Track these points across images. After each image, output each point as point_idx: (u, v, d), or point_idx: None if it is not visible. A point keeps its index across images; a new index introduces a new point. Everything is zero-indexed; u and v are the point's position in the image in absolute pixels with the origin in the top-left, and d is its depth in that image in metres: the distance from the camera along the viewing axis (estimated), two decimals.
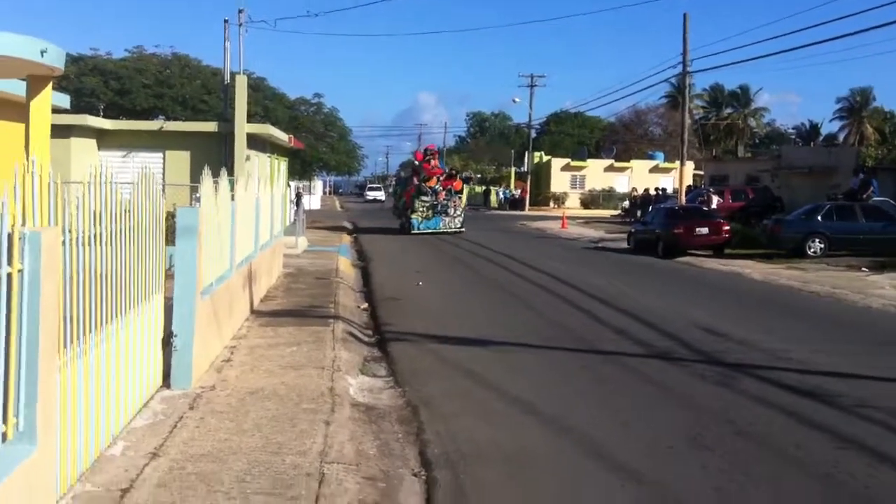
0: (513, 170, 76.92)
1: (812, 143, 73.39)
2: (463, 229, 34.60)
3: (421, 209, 34.50)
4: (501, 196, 71.00)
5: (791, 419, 7.77)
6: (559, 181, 67.27)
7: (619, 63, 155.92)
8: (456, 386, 9.04)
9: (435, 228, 34.28)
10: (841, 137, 79.64)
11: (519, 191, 67.00)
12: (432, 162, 36.23)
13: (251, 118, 30.58)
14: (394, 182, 39.60)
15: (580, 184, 67.08)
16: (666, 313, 14.11)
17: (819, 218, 25.36)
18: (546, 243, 31.91)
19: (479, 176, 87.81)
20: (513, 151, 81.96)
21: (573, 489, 6.04)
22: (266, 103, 48.93)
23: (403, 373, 9.60)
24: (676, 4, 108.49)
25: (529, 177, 66.22)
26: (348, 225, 40.97)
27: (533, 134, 74.41)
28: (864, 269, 21.52)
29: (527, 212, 59.73)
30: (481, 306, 15.16)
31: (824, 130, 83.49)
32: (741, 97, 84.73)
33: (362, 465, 6.21)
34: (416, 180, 35.07)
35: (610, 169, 67.56)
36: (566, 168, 67.92)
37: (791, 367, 9.97)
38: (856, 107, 79.49)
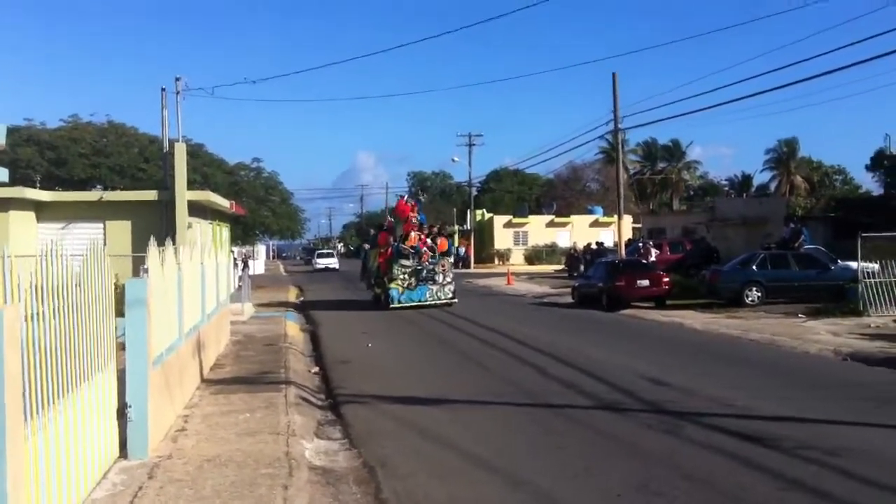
0: (456, 228, 77.65)
1: (745, 194, 75.56)
2: (455, 300, 27.76)
3: (401, 276, 27.22)
4: None
5: (735, 462, 8.06)
6: (502, 238, 68.10)
7: (556, 120, 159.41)
8: (411, 445, 9.15)
9: (420, 300, 27.26)
10: (772, 187, 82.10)
11: (463, 248, 67.60)
12: (411, 215, 28.98)
13: (191, 185, 30.58)
14: (362, 250, 32.91)
15: (523, 240, 67.97)
16: (611, 365, 14.41)
17: (754, 267, 26.15)
18: (493, 300, 32.25)
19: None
20: (455, 210, 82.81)
21: None
22: (205, 170, 48.89)
23: (358, 434, 9.69)
24: (609, 64, 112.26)
25: (473, 234, 66.91)
26: (294, 297, 35.25)
27: (474, 192, 75.45)
28: (800, 315, 22.18)
29: (472, 269, 60.22)
30: (432, 366, 15.31)
31: (756, 181, 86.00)
32: (674, 151, 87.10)
33: None
34: (391, 240, 28.17)
35: (551, 224, 68.63)
36: (508, 225, 68.84)
37: (733, 412, 10.30)
38: (783, 157, 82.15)
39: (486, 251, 67.20)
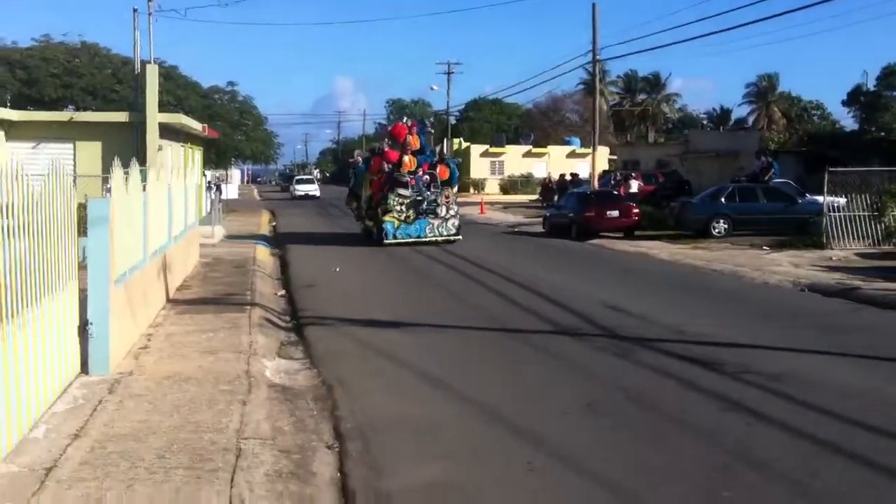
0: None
1: (722, 128, 75.69)
2: (459, 237, 24.42)
3: (397, 209, 23.80)
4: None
5: (681, 385, 8.38)
6: (479, 167, 67.97)
7: (537, 50, 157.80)
8: (370, 365, 9.39)
9: (419, 235, 23.96)
10: (750, 121, 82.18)
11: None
12: (409, 139, 24.85)
13: (163, 107, 30.29)
14: (351, 171, 29.12)
15: (499, 170, 67.87)
16: (574, 293, 14.69)
17: (723, 200, 26.45)
18: (465, 229, 32.30)
19: None
20: (432, 138, 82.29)
21: (476, 452, 6.47)
22: (178, 92, 48.22)
23: (319, 355, 9.91)
24: None
25: None
26: (267, 225, 33.28)
27: (452, 121, 75.04)
28: (765, 247, 22.56)
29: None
30: (397, 291, 15.53)
31: (735, 115, 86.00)
32: (654, 83, 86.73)
33: (278, 439, 6.53)
34: (386, 166, 24.43)
35: (528, 155, 68.51)
36: (485, 154, 68.66)
37: (685, 339, 10.60)
38: (763, 92, 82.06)
39: (461, 180, 67.05)
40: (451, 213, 24.42)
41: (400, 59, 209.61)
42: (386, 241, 23.51)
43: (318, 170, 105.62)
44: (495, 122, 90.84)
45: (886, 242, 22.45)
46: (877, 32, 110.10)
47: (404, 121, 26.80)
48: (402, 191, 23.89)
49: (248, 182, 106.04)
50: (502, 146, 69.31)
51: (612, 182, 35.79)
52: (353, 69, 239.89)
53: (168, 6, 57.36)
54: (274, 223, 34.98)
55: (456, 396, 8.08)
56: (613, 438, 6.81)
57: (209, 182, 40.58)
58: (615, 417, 7.37)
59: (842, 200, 23.26)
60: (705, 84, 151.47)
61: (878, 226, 22.71)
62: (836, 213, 22.63)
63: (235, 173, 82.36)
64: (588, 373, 9.05)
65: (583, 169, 58.82)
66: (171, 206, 13.75)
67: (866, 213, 22.75)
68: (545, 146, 69.97)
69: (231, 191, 62.69)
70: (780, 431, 6.90)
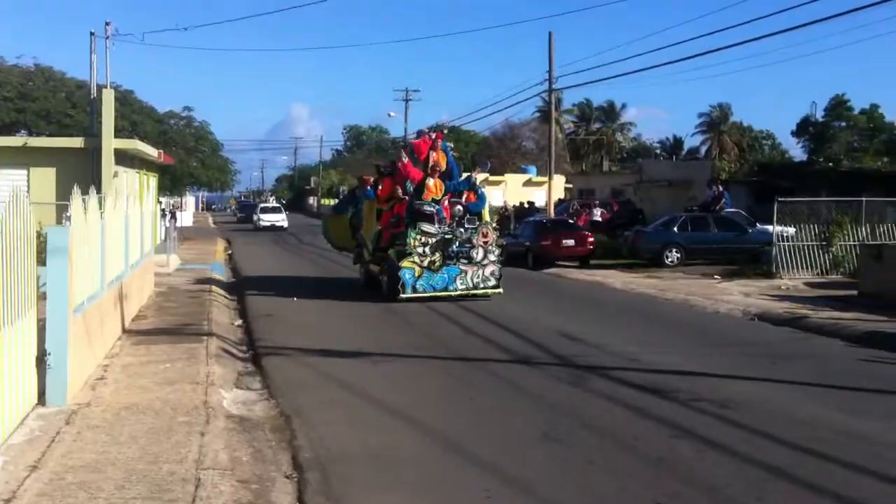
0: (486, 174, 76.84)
1: (675, 157, 76.93)
2: (499, 289, 18.29)
3: (419, 250, 17.77)
4: None
5: (633, 413, 8.57)
6: None
7: (495, 78, 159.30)
8: (329, 395, 9.44)
9: (447, 288, 17.93)
10: (703, 151, 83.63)
11: None
12: (433, 155, 18.94)
13: (118, 133, 30.05)
14: (345, 197, 24.24)
15: None
16: (531, 322, 14.88)
17: (675, 229, 26.96)
18: None
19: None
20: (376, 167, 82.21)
21: (435, 481, 6.57)
22: (134, 117, 47.89)
23: (277, 385, 9.93)
24: (549, 22, 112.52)
25: None
26: (223, 254, 31.96)
27: None
28: (716, 276, 23.02)
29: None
30: (354, 321, 15.58)
31: (688, 144, 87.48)
32: (609, 112, 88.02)
33: (237, 470, 6.57)
34: (400, 191, 18.74)
35: (485, 182, 68.71)
36: None
37: (638, 367, 10.83)
38: (715, 121, 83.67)
39: None
40: (491, 257, 18.20)
41: (357, 86, 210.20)
42: (403, 296, 17.34)
43: (273, 197, 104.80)
44: (453, 149, 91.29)
45: (834, 272, 23.05)
46: (825, 64, 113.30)
47: (426, 132, 20.64)
48: (426, 226, 17.72)
49: (202, 209, 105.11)
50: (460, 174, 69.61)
51: (571, 210, 36.18)
52: (310, 95, 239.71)
53: (125, 30, 56.83)
54: (230, 251, 34.76)
55: (414, 426, 8.17)
56: (569, 466, 6.95)
57: (164, 209, 40.31)
58: (571, 445, 7.52)
59: (791, 230, 23.86)
60: (659, 113, 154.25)
61: (826, 255, 23.32)
62: (786, 243, 23.18)
63: (190, 200, 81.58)
64: (544, 401, 9.20)
65: (539, 197, 59.43)
66: (127, 234, 13.71)
67: (815, 243, 23.34)
68: (502, 174, 70.48)
69: (186, 218, 62.11)
70: (730, 458, 7.10)
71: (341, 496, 6.23)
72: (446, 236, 17.94)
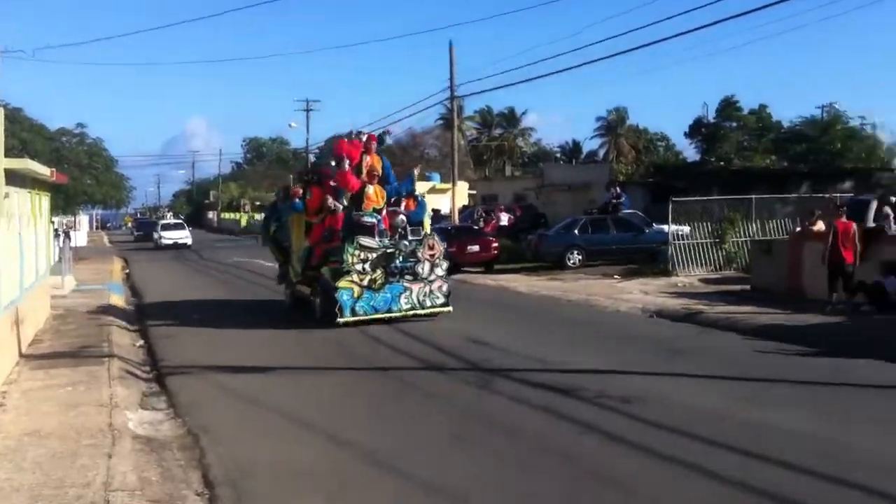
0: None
1: (574, 161, 78.52)
2: (449, 307, 16.27)
3: (358, 268, 15.57)
4: None
5: (539, 412, 8.80)
6: None
7: (397, 86, 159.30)
8: (237, 412, 9.37)
9: (390, 309, 15.80)
10: (601, 154, 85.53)
11: None
12: (367, 160, 17.26)
13: (8, 152, 28.97)
14: (266, 212, 22.32)
15: None
16: (439, 328, 15.03)
17: (576, 231, 27.56)
18: None
19: (257, 203, 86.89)
20: (291, 177, 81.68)
21: (347, 489, 6.63)
22: (23, 135, 46.23)
23: (183, 404, 9.79)
24: (451, 31, 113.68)
25: None
26: (120, 273, 30.80)
27: (312, 158, 74.70)
28: (616, 276, 23.66)
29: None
30: (261, 336, 15.43)
31: (586, 148, 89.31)
32: (510, 118, 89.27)
33: (146, 490, 6.48)
34: (332, 203, 16.47)
35: None
36: None
37: (544, 368, 11.10)
38: (613, 125, 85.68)
39: None
40: (438, 272, 16.20)
41: (256, 97, 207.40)
42: (340, 321, 15.17)
43: (171, 212, 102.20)
44: None
45: (727, 267, 23.98)
46: (716, 66, 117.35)
47: (355, 134, 18.03)
48: (365, 240, 15.62)
49: (97, 228, 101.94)
50: None
51: (477, 216, 36.57)
52: (207, 108, 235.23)
53: (15, 46, 54.66)
54: (127, 270, 33.89)
55: (325, 437, 8.19)
56: (479, 467, 7.09)
57: (57, 229, 39.02)
58: (480, 446, 7.68)
59: (686, 229, 24.71)
60: (558, 118, 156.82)
61: (720, 252, 24.24)
62: (681, 241, 23.99)
63: (84, 219, 79.00)
64: (455, 406, 9.35)
65: (444, 204, 59.81)
66: (22, 257, 13.29)
67: (708, 240, 24.24)
68: None
69: (80, 238, 60.13)
70: (633, 450, 7.37)
71: None
72: (388, 250, 15.72)
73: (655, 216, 30.47)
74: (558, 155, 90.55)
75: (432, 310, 15.99)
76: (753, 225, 24.56)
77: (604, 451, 7.41)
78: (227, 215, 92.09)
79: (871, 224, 15.33)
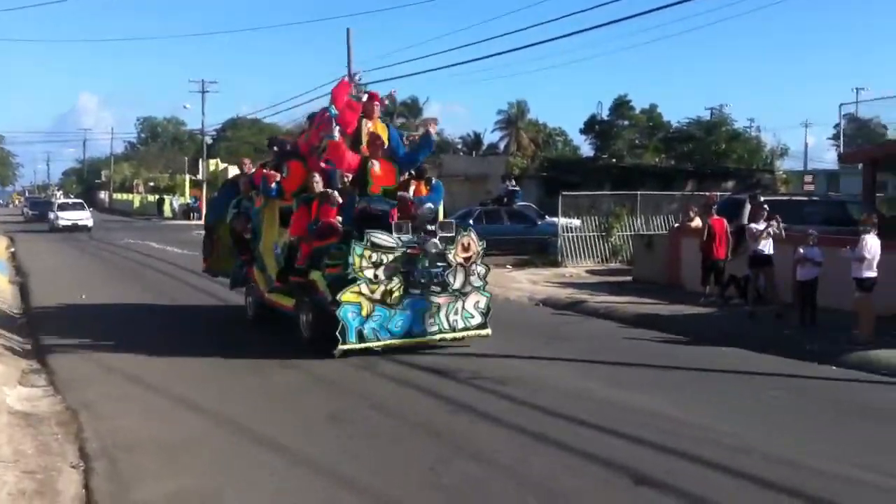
0: (187, 178, 75.06)
1: (475, 153, 79.35)
2: (487, 329, 12.05)
3: (369, 275, 11.07)
4: (176, 205, 69.27)
5: (418, 392, 9.19)
6: None
7: (299, 69, 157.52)
8: (119, 390, 9.40)
9: (410, 332, 11.36)
10: (501, 147, 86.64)
11: (196, 200, 65.82)
12: (368, 126, 12.71)
13: None
14: (219, 193, 16.08)
15: None
16: None
17: (471, 222, 28.00)
18: None
19: (151, 184, 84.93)
20: (187, 159, 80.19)
21: (221, 463, 6.83)
22: None
23: (63, 381, 9.77)
24: (353, 20, 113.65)
25: (205, 185, 65.47)
26: (5, 252, 28.79)
27: (209, 140, 73.62)
28: (508, 266, 24.24)
29: (203, 221, 58.84)
30: (147, 317, 15.34)
31: (487, 140, 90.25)
32: (412, 108, 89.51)
33: (21, 462, 6.56)
34: (316, 179, 11.90)
35: None
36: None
37: (426, 352, 11.41)
38: (513, 118, 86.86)
39: None
40: (474, 281, 11.94)
41: (151, 76, 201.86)
42: (343, 347, 10.83)
43: (61, 191, 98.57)
44: (255, 142, 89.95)
45: (613, 260, 24.88)
46: (611, 65, 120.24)
47: (354, 90, 13.45)
48: (380, 236, 11.16)
49: None
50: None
51: None
52: (99, 85, 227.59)
53: None
54: (13, 249, 32.76)
55: (206, 415, 8.34)
56: (354, 443, 7.39)
57: None
58: (356, 425, 7.97)
59: (576, 222, 25.50)
60: (460, 110, 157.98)
61: (606, 245, 25.13)
62: (571, 234, 24.75)
63: None
64: (335, 386, 9.62)
65: None
66: None
67: (596, 233, 25.09)
68: None
69: None
70: (500, 427, 7.80)
71: (129, 482, 6.37)
72: (409, 251, 11.30)
73: (548, 209, 31.26)
74: (460, 146, 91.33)
75: (466, 333, 11.83)
76: (638, 220, 25.55)
77: (472, 427, 7.80)
78: (119, 196, 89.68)
79: (744, 222, 16.15)
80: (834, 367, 10.96)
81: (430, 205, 12.11)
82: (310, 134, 13.12)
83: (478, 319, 11.97)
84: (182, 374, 10.27)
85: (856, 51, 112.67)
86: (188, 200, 67.62)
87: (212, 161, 69.59)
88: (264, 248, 13.39)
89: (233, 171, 67.01)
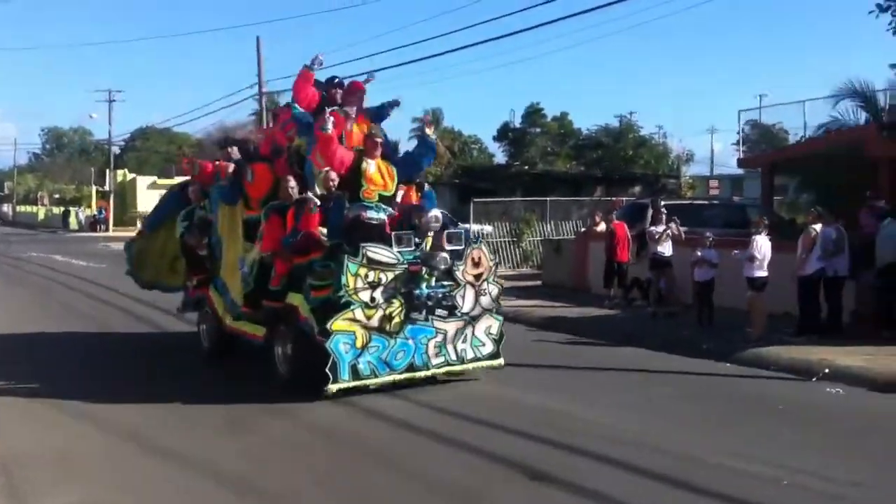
0: (94, 189, 73.12)
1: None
2: (501, 359, 10.28)
3: (364, 298, 9.18)
4: (82, 217, 67.44)
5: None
6: (146, 200, 65.50)
7: (210, 78, 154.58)
8: (20, 405, 9.21)
9: (412, 366, 9.55)
10: None
11: (103, 210, 64.22)
12: (350, 125, 10.77)
13: None
14: (165, 203, 13.46)
15: None
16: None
17: None
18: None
19: (56, 196, 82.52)
20: (94, 169, 78.13)
21: (118, 473, 6.79)
22: None
23: None
24: (267, 27, 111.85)
25: (113, 196, 64.00)
26: None
27: (116, 150, 71.96)
28: None
29: (110, 233, 57.59)
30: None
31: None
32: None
33: None
34: (291, 185, 10.13)
35: None
36: (153, 186, 66.44)
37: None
38: None
39: (127, 213, 64.56)
40: (485, 302, 10.21)
41: (54, 85, 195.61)
42: (334, 387, 9.01)
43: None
44: (165, 152, 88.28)
45: (524, 265, 25.31)
46: (523, 74, 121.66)
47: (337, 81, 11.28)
48: (377, 251, 9.38)
49: None
50: (172, 177, 67.45)
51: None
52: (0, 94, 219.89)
53: None
54: None
55: (96, 424, 8.26)
56: (257, 450, 7.42)
57: None
58: (259, 434, 8.00)
59: (488, 228, 25.82)
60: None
61: (518, 250, 25.54)
62: (483, 240, 25.00)
63: None
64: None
65: None
66: None
67: (507, 239, 25.48)
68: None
69: None
70: (397, 428, 7.91)
71: (26, 495, 6.29)
72: (411, 268, 9.50)
73: (461, 216, 31.51)
74: None
75: (477, 364, 10.13)
76: (548, 225, 26.06)
77: (377, 430, 7.92)
78: (23, 209, 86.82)
79: (647, 226, 16.65)
80: (728, 364, 11.44)
81: (436, 212, 10.16)
82: (274, 132, 11.58)
83: (489, 348, 10.18)
84: (85, 387, 10.07)
85: (760, 59, 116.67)
86: (94, 212, 65.88)
87: (119, 171, 68.06)
88: (225, 267, 11.07)
89: (143, 181, 66.07)
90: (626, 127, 52.89)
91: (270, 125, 12.07)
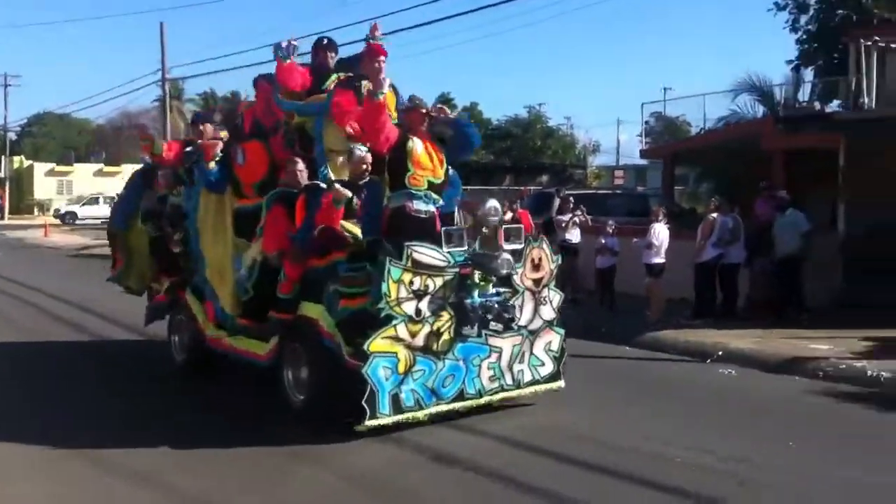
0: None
1: None
2: (561, 381, 8.38)
3: (408, 310, 7.13)
4: None
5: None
6: (44, 187, 63.55)
7: (110, 64, 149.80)
8: None
9: (462, 394, 7.56)
10: None
11: None
12: (379, 77, 8.04)
13: None
14: (129, 192, 11.13)
15: (67, 189, 63.90)
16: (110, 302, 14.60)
17: None
18: (24, 253, 30.43)
19: None
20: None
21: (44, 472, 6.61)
22: None
23: None
24: (171, 14, 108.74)
25: (8, 184, 61.69)
26: None
27: (13, 136, 69.33)
28: None
29: (6, 221, 55.54)
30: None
31: None
32: (235, 102, 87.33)
33: None
34: (299, 167, 8.15)
35: (100, 174, 65.37)
36: (51, 173, 64.38)
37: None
38: None
39: (24, 201, 62.35)
40: (546, 313, 8.23)
41: None
42: (371, 423, 7.00)
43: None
44: (62, 138, 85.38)
45: None
46: (434, 64, 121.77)
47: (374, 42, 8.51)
48: (424, 251, 7.25)
49: None
50: (71, 164, 65.51)
51: None
52: None
53: None
54: None
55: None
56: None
57: None
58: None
59: None
60: None
61: None
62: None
63: None
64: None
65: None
66: None
67: None
68: (119, 164, 67.32)
69: None
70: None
71: None
72: (461, 272, 7.53)
73: None
74: None
75: (535, 388, 8.28)
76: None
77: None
78: None
79: (553, 214, 16.93)
80: (627, 348, 11.77)
81: (494, 202, 8.11)
82: (257, 105, 9.09)
83: (549, 368, 8.33)
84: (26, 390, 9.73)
85: (665, 54, 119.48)
86: None
87: (16, 158, 65.64)
88: (211, 268, 9.12)
89: (40, 167, 63.76)
90: (534, 118, 53.60)
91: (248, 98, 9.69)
